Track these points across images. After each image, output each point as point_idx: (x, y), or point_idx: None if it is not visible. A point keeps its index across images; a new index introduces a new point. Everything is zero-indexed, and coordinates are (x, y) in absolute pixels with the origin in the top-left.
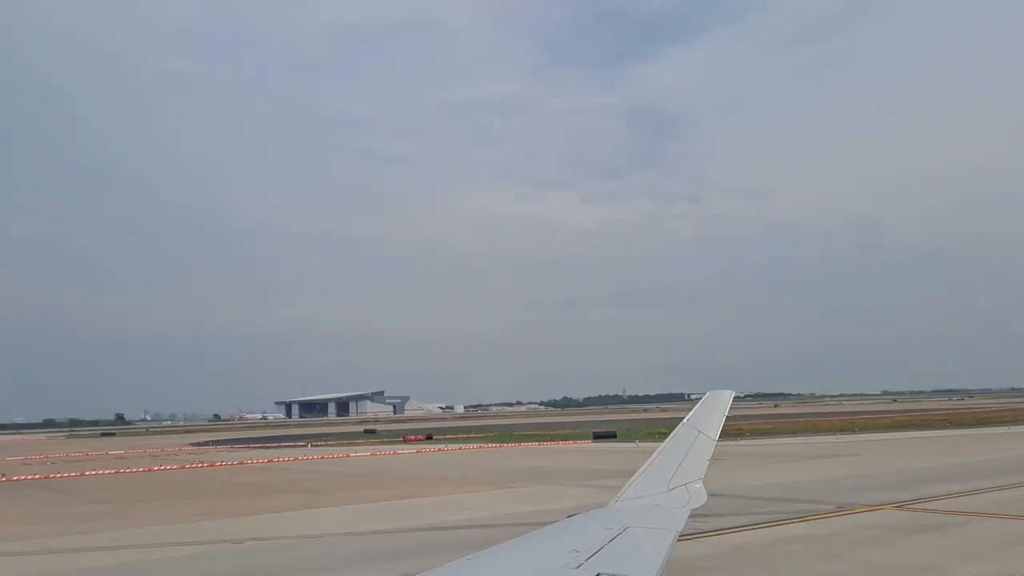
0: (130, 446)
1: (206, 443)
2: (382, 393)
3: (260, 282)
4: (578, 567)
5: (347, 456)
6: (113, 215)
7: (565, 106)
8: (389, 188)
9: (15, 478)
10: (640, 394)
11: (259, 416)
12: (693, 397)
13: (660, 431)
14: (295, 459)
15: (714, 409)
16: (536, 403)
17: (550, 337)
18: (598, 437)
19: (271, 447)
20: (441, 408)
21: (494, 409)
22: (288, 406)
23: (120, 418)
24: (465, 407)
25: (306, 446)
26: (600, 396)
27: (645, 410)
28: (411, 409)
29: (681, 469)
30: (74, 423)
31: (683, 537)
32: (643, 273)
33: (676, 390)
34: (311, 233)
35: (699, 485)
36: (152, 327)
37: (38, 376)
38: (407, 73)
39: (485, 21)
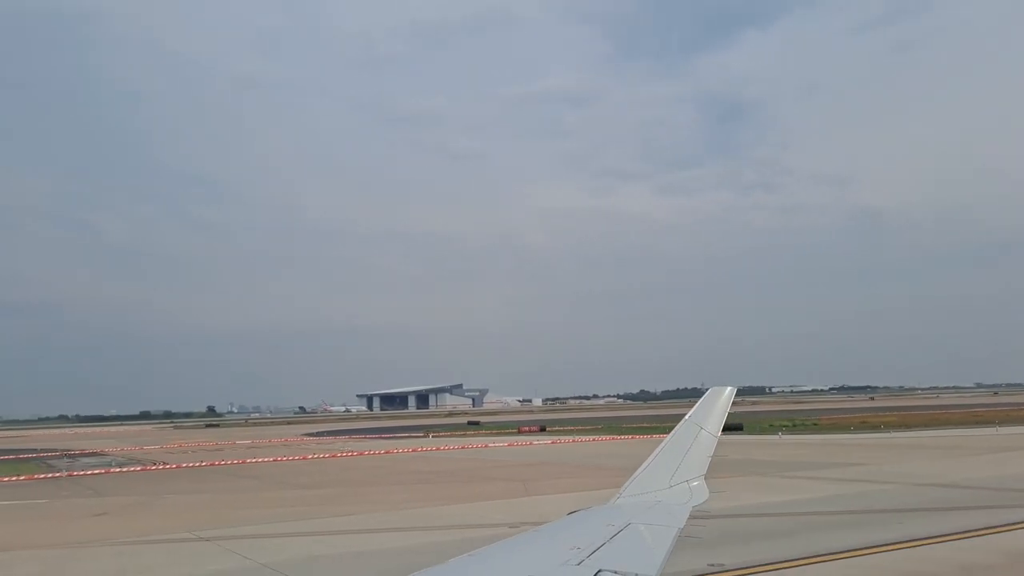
0: (243, 436)
1: (320, 433)
2: (460, 386)
3: (337, 278)
4: (580, 563)
5: (486, 446)
6: (197, 216)
7: (636, 97)
8: (461, 183)
9: (190, 465)
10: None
11: (343, 409)
12: (776, 390)
13: (782, 424)
14: (436, 449)
15: (716, 406)
16: (613, 396)
17: (624, 330)
18: (726, 429)
19: (388, 438)
20: (519, 401)
21: (572, 402)
22: (369, 399)
23: (211, 410)
24: (543, 400)
25: (426, 436)
26: (678, 389)
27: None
28: (489, 402)
29: (683, 466)
30: (169, 415)
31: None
32: (718, 263)
33: (757, 383)
34: (386, 229)
35: (701, 482)
36: (233, 323)
37: (128, 371)
38: (478, 68)
39: (556, 13)
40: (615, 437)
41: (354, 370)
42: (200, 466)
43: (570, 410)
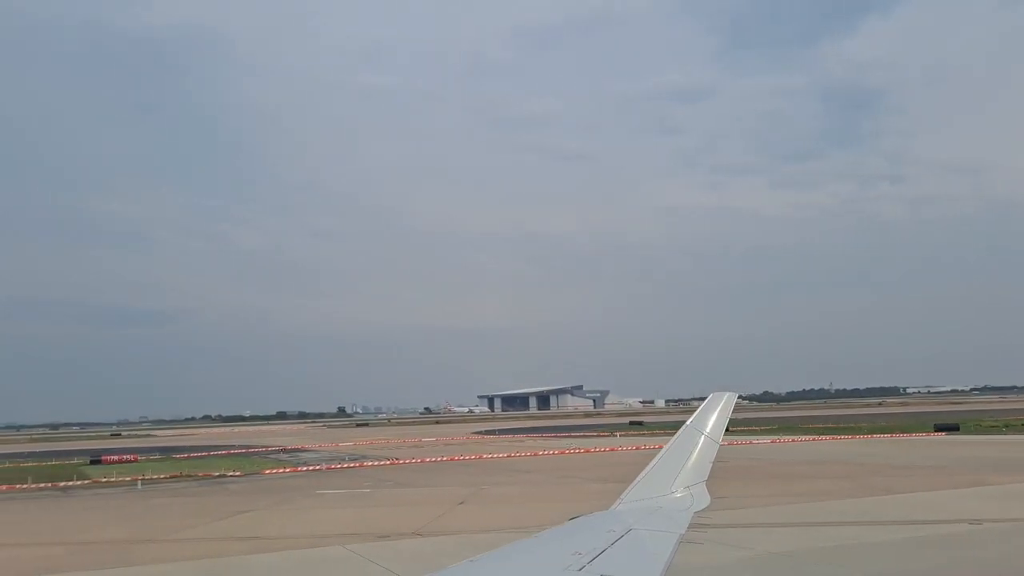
0: (409, 434)
1: (488, 432)
2: (581, 387)
3: (450, 281)
4: (581, 569)
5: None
6: (317, 224)
7: (750, 89)
8: (571, 184)
9: (428, 460)
10: (848, 388)
11: (466, 410)
12: (910, 391)
13: (991, 424)
14: (658, 447)
15: (717, 411)
16: (738, 397)
17: (742, 329)
18: (940, 429)
19: (576, 436)
20: (641, 402)
21: (695, 403)
22: (490, 400)
23: (341, 410)
24: (665, 401)
25: (613, 435)
26: (804, 390)
27: (880, 403)
28: (610, 403)
29: (684, 472)
30: (303, 415)
31: None
32: (840, 259)
33: (888, 383)
34: (498, 232)
35: (702, 488)
36: (354, 326)
37: (259, 373)
38: (586, 69)
39: (663, 9)
40: (815, 438)
41: (472, 371)
42: (441, 461)
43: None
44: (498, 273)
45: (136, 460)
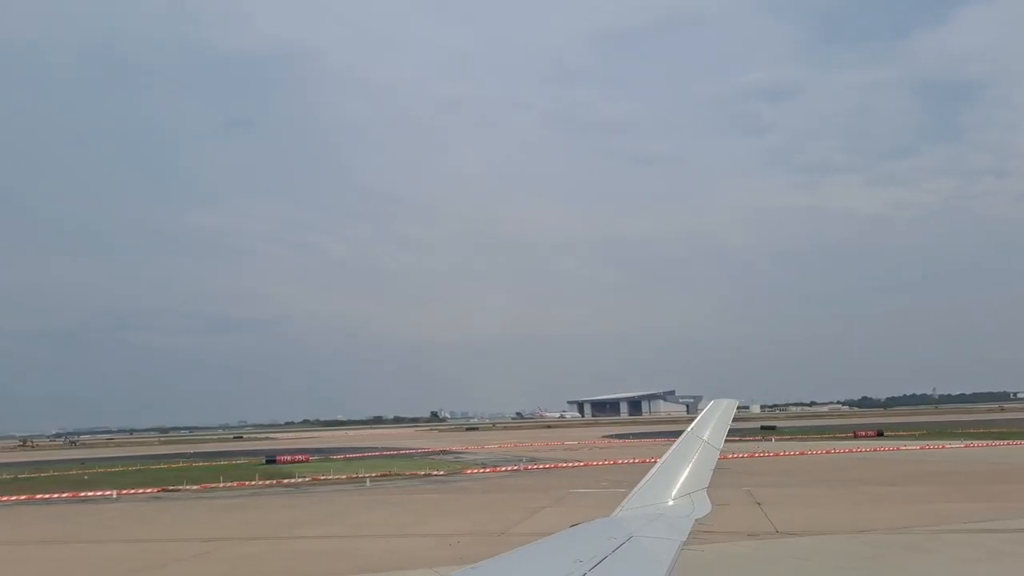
0: (528, 438)
1: (621, 436)
2: (673, 392)
3: (535, 287)
4: None
5: (897, 449)
6: (403, 233)
7: (841, 85)
8: (656, 187)
9: (604, 463)
10: (954, 393)
11: (557, 415)
12: (1021, 396)
13: None
14: (854, 451)
15: (718, 418)
16: (835, 403)
17: (838, 332)
18: None
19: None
20: (736, 407)
21: (793, 409)
22: (580, 405)
23: (434, 415)
24: (761, 407)
25: (769, 440)
26: (905, 396)
27: (1001, 408)
28: (703, 409)
29: (685, 479)
30: (398, 419)
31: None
32: (942, 259)
33: (995, 388)
34: (584, 237)
35: (703, 495)
36: (441, 332)
37: (348, 378)
38: (669, 71)
39: (746, 7)
40: (990, 443)
41: (559, 377)
42: (637, 463)
43: (802, 417)
44: (584, 278)
45: (308, 460)
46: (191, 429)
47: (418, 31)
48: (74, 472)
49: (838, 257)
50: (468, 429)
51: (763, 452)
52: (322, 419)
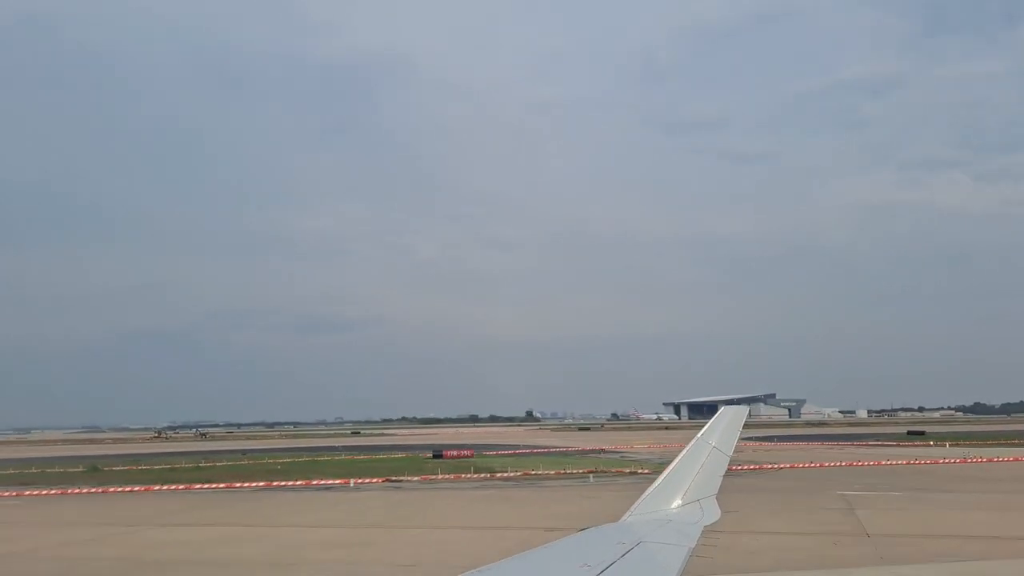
0: (647, 439)
1: (767, 438)
2: (774, 395)
3: (626, 288)
4: None
5: None
6: (494, 234)
7: (947, 77)
8: (750, 185)
9: (798, 465)
10: None
11: (654, 416)
12: None
13: None
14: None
15: (729, 425)
16: (946, 408)
17: (946, 334)
18: None
19: (871, 445)
20: (841, 412)
21: (903, 415)
22: (676, 407)
23: (529, 415)
24: (868, 411)
25: (944, 446)
26: (1022, 402)
27: None
28: (807, 413)
29: (695, 485)
30: (494, 418)
31: None
32: None
33: None
34: (676, 237)
35: (712, 501)
36: (533, 333)
37: (440, 377)
38: (763, 67)
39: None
40: None
41: (650, 378)
42: (836, 466)
43: (912, 423)
44: (674, 279)
45: (473, 455)
46: (295, 424)
47: (507, 33)
48: (246, 462)
49: (945, 256)
50: (580, 429)
51: (976, 458)
52: (418, 416)
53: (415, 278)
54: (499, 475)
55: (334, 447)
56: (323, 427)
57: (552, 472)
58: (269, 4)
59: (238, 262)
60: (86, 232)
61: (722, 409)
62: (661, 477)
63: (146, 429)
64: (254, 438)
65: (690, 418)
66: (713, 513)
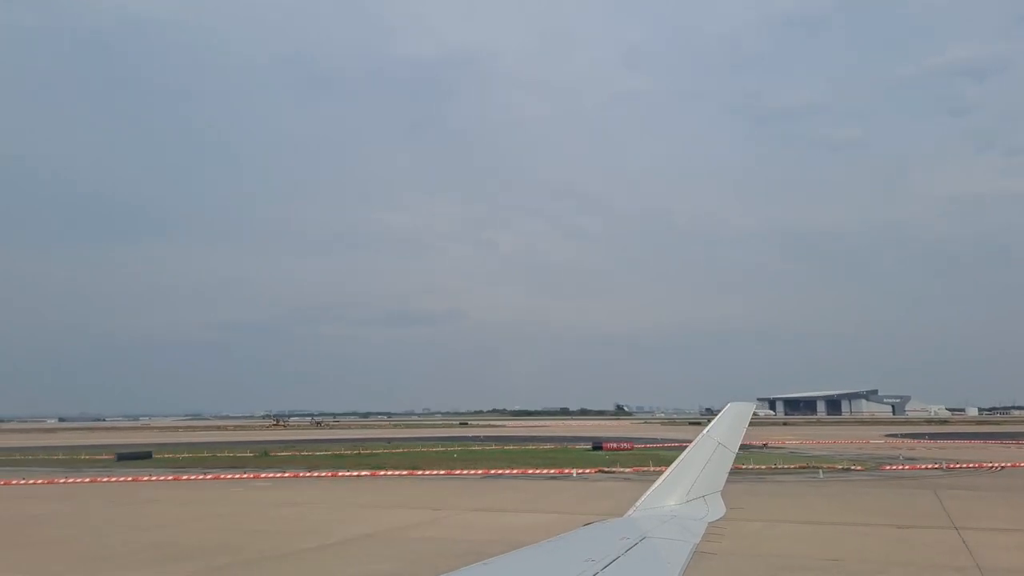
0: (784, 434)
1: (908, 436)
2: (876, 392)
3: (713, 280)
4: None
5: None
6: (576, 227)
7: None
8: (843, 175)
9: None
10: None
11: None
12: None
13: None
14: None
15: (735, 421)
16: None
17: None
18: None
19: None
20: (948, 410)
21: (1015, 412)
22: (771, 402)
23: (620, 408)
24: (979, 410)
25: None
26: None
27: None
28: (912, 410)
29: (700, 481)
30: (584, 412)
31: None
32: None
33: None
34: (760, 228)
35: (717, 497)
36: (617, 326)
37: (520, 369)
38: (857, 52)
39: None
40: None
41: (743, 373)
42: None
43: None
44: (766, 270)
45: (632, 448)
46: (389, 415)
47: (592, 26)
48: (404, 450)
49: None
50: (691, 423)
51: None
52: (508, 409)
53: (496, 271)
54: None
55: (476, 436)
56: (415, 417)
57: (763, 467)
58: (354, 6)
59: (327, 257)
60: (191, 231)
61: (729, 405)
62: (666, 473)
63: (248, 417)
64: (368, 427)
65: (786, 414)
66: (718, 509)
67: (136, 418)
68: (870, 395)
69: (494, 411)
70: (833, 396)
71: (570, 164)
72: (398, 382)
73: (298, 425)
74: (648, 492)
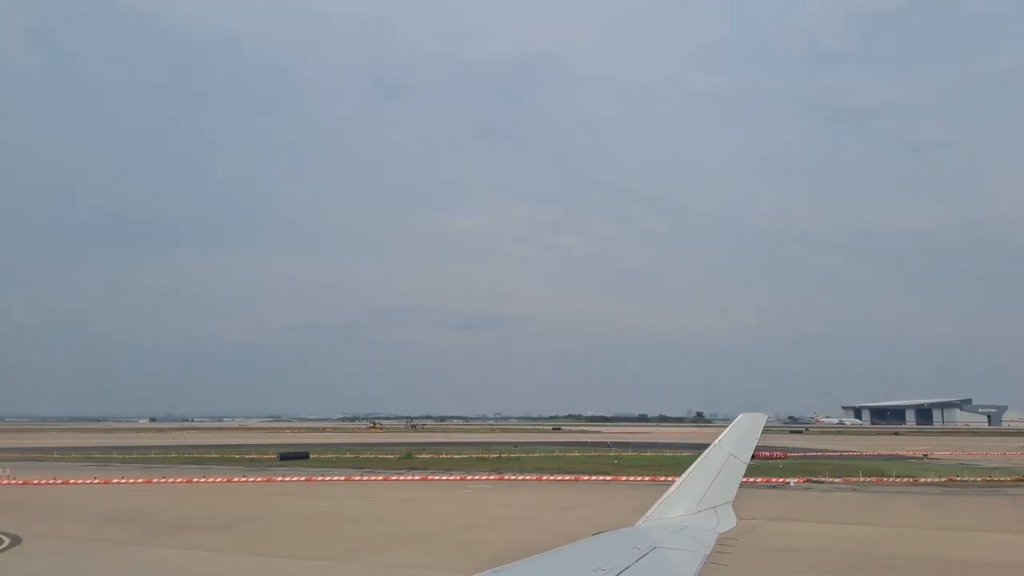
0: (890, 445)
1: None
2: (970, 401)
3: (795, 285)
4: None
5: None
6: (647, 229)
7: None
8: (926, 175)
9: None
10: None
11: (836, 421)
12: None
13: None
14: None
15: (746, 432)
16: None
17: None
18: None
19: None
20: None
21: None
22: (857, 411)
23: (699, 415)
24: None
25: None
26: None
27: None
28: (1008, 420)
29: (711, 491)
30: (663, 418)
31: None
32: None
33: None
34: (840, 229)
35: (728, 508)
36: (692, 330)
37: (589, 374)
38: (942, 48)
39: None
40: None
41: (826, 380)
42: None
43: None
44: (849, 274)
45: (785, 456)
46: (465, 419)
47: (663, 25)
48: (539, 455)
49: None
50: (792, 432)
51: None
52: (584, 415)
53: (569, 275)
54: (887, 480)
55: (606, 443)
56: (491, 422)
57: (978, 479)
58: (428, 12)
59: (398, 262)
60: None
61: (740, 416)
62: (677, 483)
63: (325, 419)
64: (464, 431)
65: (872, 423)
66: (729, 520)
67: (220, 419)
68: (964, 404)
69: (570, 416)
70: (924, 405)
71: (644, 165)
72: (469, 386)
73: (394, 428)
74: (659, 502)
